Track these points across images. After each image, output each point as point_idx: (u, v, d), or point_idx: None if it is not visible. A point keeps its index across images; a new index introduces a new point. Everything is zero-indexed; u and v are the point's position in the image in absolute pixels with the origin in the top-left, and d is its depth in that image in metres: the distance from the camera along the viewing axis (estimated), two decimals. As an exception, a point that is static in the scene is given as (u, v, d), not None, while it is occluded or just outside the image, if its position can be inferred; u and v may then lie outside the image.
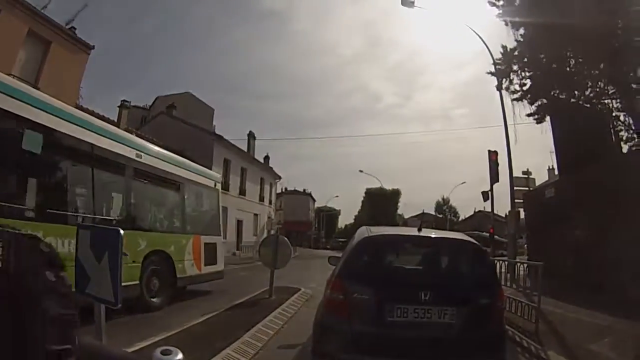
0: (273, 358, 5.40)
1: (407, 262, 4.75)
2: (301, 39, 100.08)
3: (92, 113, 17.13)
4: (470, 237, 4.41)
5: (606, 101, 12.88)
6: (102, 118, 17.80)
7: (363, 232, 4.42)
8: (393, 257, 4.67)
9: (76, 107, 14.64)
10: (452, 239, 4.52)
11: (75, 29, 14.79)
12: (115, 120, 18.16)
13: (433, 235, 4.38)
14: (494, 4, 13.94)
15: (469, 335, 3.61)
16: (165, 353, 0.70)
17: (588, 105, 13.05)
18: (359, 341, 3.64)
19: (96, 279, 3.45)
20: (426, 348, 3.62)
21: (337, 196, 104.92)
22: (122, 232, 3.40)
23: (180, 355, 0.70)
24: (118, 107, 18.36)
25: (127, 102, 18.77)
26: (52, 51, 13.37)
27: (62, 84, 13.43)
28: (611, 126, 12.41)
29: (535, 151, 41.92)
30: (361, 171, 47.74)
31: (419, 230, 4.26)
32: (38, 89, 12.64)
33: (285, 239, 9.41)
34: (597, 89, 12.87)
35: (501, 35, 15.29)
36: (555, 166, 15.95)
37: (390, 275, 4.23)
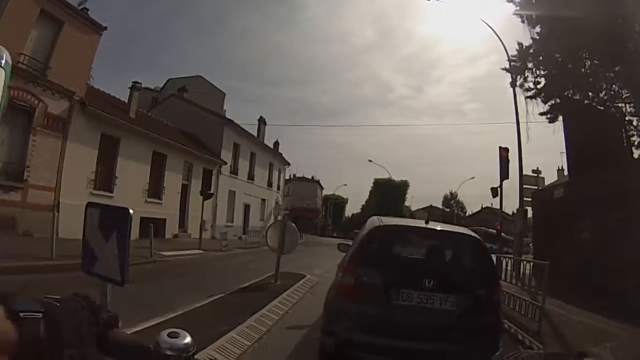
0: (282, 338, 5.56)
1: (413, 252, 4.98)
2: (314, 26, 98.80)
3: (102, 94, 17.30)
4: (477, 233, 4.57)
5: (620, 105, 12.75)
6: (113, 99, 18.01)
7: (374, 221, 4.68)
8: (401, 246, 4.93)
9: (87, 88, 14.88)
10: (457, 232, 4.72)
11: (87, 9, 14.73)
12: (126, 101, 18.28)
13: (439, 228, 4.56)
14: (510, 0, 13.72)
15: (468, 322, 3.88)
16: (172, 336, 0.68)
17: (602, 108, 12.91)
18: (367, 322, 3.92)
19: (103, 258, 3.47)
20: (428, 331, 3.87)
21: (345, 185, 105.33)
22: (131, 211, 3.41)
23: (188, 339, 0.69)
24: (129, 88, 18.36)
25: (139, 83, 18.75)
26: (64, 31, 13.33)
27: (73, 65, 13.48)
28: (623, 130, 12.25)
29: (546, 150, 41.39)
30: (370, 161, 47.92)
31: (426, 222, 4.50)
32: (49, 68, 12.82)
33: (293, 225, 9.43)
34: (612, 92, 12.74)
35: (517, 32, 15.19)
36: (565, 167, 15.77)
37: (397, 262, 4.50)
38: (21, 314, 0.58)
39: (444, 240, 4.68)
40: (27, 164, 12.30)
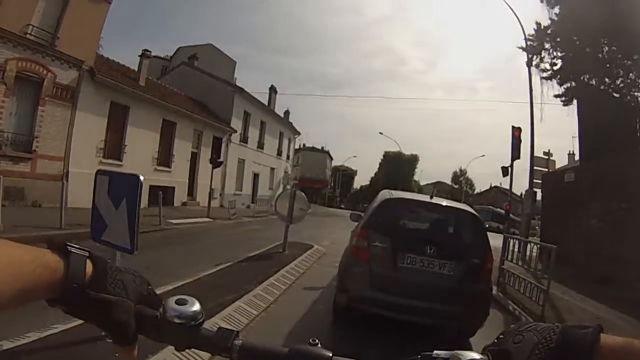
0: (299, 297, 5.89)
1: (418, 222, 5.51)
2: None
3: (112, 62, 17.12)
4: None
5: (636, 93, 12.52)
6: (123, 67, 17.83)
7: (385, 194, 5.40)
8: (408, 217, 5.42)
9: (96, 57, 14.69)
10: (457, 208, 5.29)
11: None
12: (136, 70, 18.08)
13: (442, 204, 5.19)
14: None
15: (462, 285, 4.47)
16: (180, 303, 0.65)
17: (617, 95, 12.66)
18: (376, 281, 4.55)
19: (113, 225, 3.49)
20: (427, 291, 4.46)
21: (354, 156, 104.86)
22: (142, 177, 3.38)
23: (197, 306, 0.66)
24: (139, 56, 18.14)
25: (149, 52, 18.50)
26: (72, 1, 13.03)
27: (82, 34, 13.24)
28: (638, 119, 11.99)
29: (558, 133, 40.64)
30: (381, 133, 47.73)
31: (431, 197, 5.19)
32: (57, 38, 12.65)
33: (303, 194, 9.42)
34: (629, 80, 12.49)
35: (535, 11, 14.81)
36: (577, 151, 15.53)
37: (404, 231, 5.11)
38: (69, 248, 0.60)
39: (445, 214, 5.27)
40: (35, 135, 12.33)
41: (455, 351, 0.60)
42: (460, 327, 4.74)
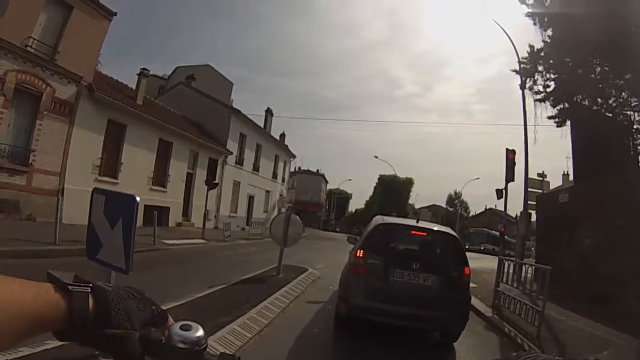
0: (293, 320, 6.04)
1: (406, 242, 6.43)
2: (325, 17, 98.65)
3: (110, 80, 17.31)
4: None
5: (628, 112, 12.71)
6: (121, 85, 18.02)
7: (378, 219, 6.32)
8: (397, 238, 6.34)
9: (95, 73, 14.88)
10: (438, 230, 6.22)
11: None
12: (134, 88, 18.26)
13: (425, 226, 6.26)
14: (523, 2, 13.61)
15: (444, 295, 5.30)
16: (184, 328, 0.67)
17: (610, 115, 12.84)
18: (372, 292, 5.36)
19: (108, 245, 3.47)
20: (414, 300, 5.26)
21: (349, 179, 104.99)
22: (138, 198, 3.38)
23: (200, 332, 0.68)
24: (137, 75, 18.36)
25: (146, 70, 18.74)
26: (73, 16, 13.27)
27: (82, 50, 13.45)
28: (631, 138, 12.18)
29: (552, 154, 41.13)
30: (376, 157, 47.77)
31: (417, 222, 6.27)
32: (58, 53, 12.82)
33: (297, 218, 9.43)
34: (621, 99, 12.71)
35: (528, 34, 15.21)
36: (571, 172, 15.68)
37: (394, 250, 6.00)
38: (70, 287, 0.60)
39: (428, 235, 6.21)
40: (32, 148, 12.34)
41: None
42: (444, 330, 5.58)
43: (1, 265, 6.15)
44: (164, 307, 0.72)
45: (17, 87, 11.69)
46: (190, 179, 21.25)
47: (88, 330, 0.61)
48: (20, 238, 8.38)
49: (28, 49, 11.86)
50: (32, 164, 12.33)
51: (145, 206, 14.81)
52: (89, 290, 0.62)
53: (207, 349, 0.69)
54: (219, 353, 0.70)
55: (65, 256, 7.86)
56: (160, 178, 18.72)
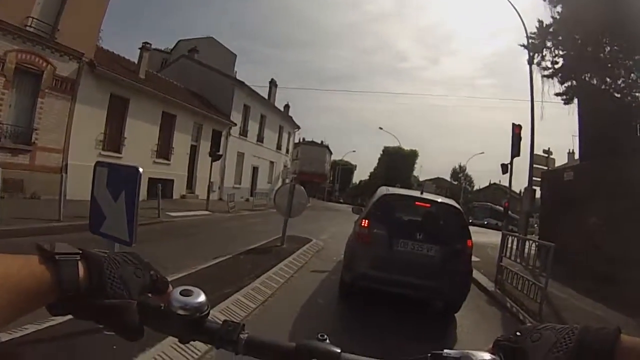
0: (297, 291, 6.11)
1: (410, 213, 6.29)
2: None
3: (112, 55, 17.01)
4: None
5: (637, 94, 12.49)
6: (123, 60, 17.71)
7: (383, 190, 6.38)
8: (401, 209, 6.31)
9: (96, 49, 14.59)
10: (443, 202, 6.21)
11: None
12: (136, 62, 17.96)
13: (430, 198, 6.18)
14: None
15: (446, 265, 5.39)
16: (185, 294, 0.63)
17: (618, 95, 12.64)
18: (376, 261, 5.46)
19: (112, 218, 3.46)
20: (418, 270, 5.36)
21: (354, 151, 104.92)
22: (141, 170, 3.33)
23: (202, 297, 0.64)
24: (139, 49, 17.99)
25: (149, 44, 18.35)
26: None
27: (82, 26, 13.10)
28: (638, 120, 12.01)
29: (558, 131, 40.56)
30: (381, 128, 47.85)
31: (421, 193, 6.26)
32: (57, 30, 12.53)
33: (302, 188, 9.40)
34: (630, 80, 12.49)
35: (537, 9, 14.80)
36: (577, 150, 15.52)
37: (398, 220, 6.05)
38: (57, 257, 0.55)
39: (433, 207, 6.12)
40: (35, 127, 12.25)
41: (466, 351, 0.58)
42: (445, 300, 5.71)
43: (6, 243, 6.21)
44: (168, 279, 0.67)
45: (18, 66, 11.52)
46: (194, 151, 21.19)
47: (81, 301, 0.56)
48: (25, 217, 8.42)
49: (27, 28, 11.62)
50: (35, 142, 12.27)
51: (149, 179, 14.85)
52: (78, 258, 0.57)
53: (210, 317, 0.65)
54: (221, 321, 0.65)
55: (71, 232, 7.91)
56: (164, 151, 18.65)
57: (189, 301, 0.63)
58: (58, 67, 12.77)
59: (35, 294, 0.53)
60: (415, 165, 59.67)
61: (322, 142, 64.07)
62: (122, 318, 0.58)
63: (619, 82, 12.83)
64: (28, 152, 12.13)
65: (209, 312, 0.65)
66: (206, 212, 15.57)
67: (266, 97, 30.83)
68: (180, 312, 0.62)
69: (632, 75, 12.54)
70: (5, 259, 0.52)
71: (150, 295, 0.65)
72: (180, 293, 0.63)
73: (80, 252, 0.58)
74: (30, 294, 0.52)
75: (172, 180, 19.02)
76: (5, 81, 11.25)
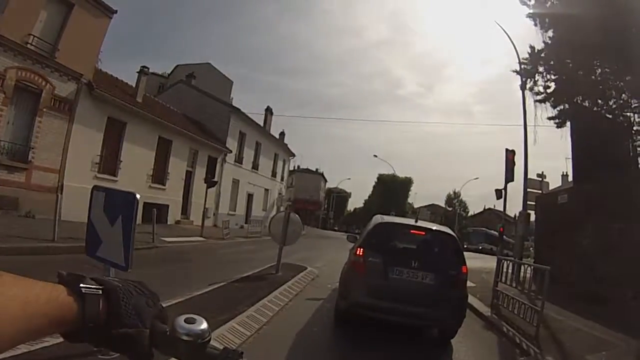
0: (292, 318, 6.04)
1: (405, 241, 6.34)
2: (328, 19, 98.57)
3: (110, 77, 17.27)
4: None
5: (628, 114, 12.76)
6: (121, 83, 17.98)
7: (377, 218, 6.40)
8: (396, 237, 6.28)
9: (95, 71, 14.84)
10: (436, 230, 6.23)
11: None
12: (134, 86, 18.21)
13: (424, 226, 6.28)
14: (524, 3, 13.63)
15: (441, 292, 5.39)
16: (188, 321, 0.68)
17: (610, 116, 12.89)
18: (371, 289, 5.43)
19: (108, 242, 3.47)
20: (413, 297, 5.36)
21: (349, 178, 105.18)
22: (138, 195, 3.37)
23: (204, 325, 0.69)
24: (137, 72, 18.32)
25: (146, 68, 18.71)
26: (74, 13, 13.22)
27: (82, 47, 13.40)
28: (631, 140, 12.22)
29: (552, 155, 41.16)
30: (375, 156, 47.78)
31: (416, 221, 6.32)
32: (58, 50, 12.79)
33: (297, 216, 9.42)
34: (621, 101, 12.77)
35: (529, 35, 15.23)
36: (570, 173, 15.72)
37: (393, 248, 6.02)
38: (83, 290, 0.61)
39: (427, 234, 6.20)
40: (32, 145, 12.31)
41: None
42: (441, 327, 5.70)
43: (1, 262, 6.15)
44: (163, 305, 0.73)
45: (17, 84, 11.67)
46: (189, 176, 21.23)
47: (99, 331, 0.61)
48: (19, 235, 8.36)
49: (28, 46, 11.84)
50: (32, 161, 12.30)
51: (145, 204, 14.80)
52: (101, 293, 0.63)
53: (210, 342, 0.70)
54: (222, 347, 0.70)
55: (65, 253, 7.84)
56: (159, 176, 18.69)
57: (193, 328, 0.68)
58: (57, 86, 12.94)
59: (57, 321, 0.58)
60: (410, 193, 60.00)
61: (317, 169, 64.40)
62: (135, 345, 0.64)
63: (611, 103, 13.07)
64: (24, 170, 12.14)
65: (210, 339, 0.70)
66: (201, 239, 15.46)
67: (262, 124, 31.15)
68: (185, 337, 0.67)
69: (623, 95, 12.76)
70: (33, 287, 0.56)
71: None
72: (185, 320, 0.68)
73: (102, 287, 0.64)
74: (52, 321, 0.57)
75: (167, 206, 18.96)
76: (4, 97, 11.34)
